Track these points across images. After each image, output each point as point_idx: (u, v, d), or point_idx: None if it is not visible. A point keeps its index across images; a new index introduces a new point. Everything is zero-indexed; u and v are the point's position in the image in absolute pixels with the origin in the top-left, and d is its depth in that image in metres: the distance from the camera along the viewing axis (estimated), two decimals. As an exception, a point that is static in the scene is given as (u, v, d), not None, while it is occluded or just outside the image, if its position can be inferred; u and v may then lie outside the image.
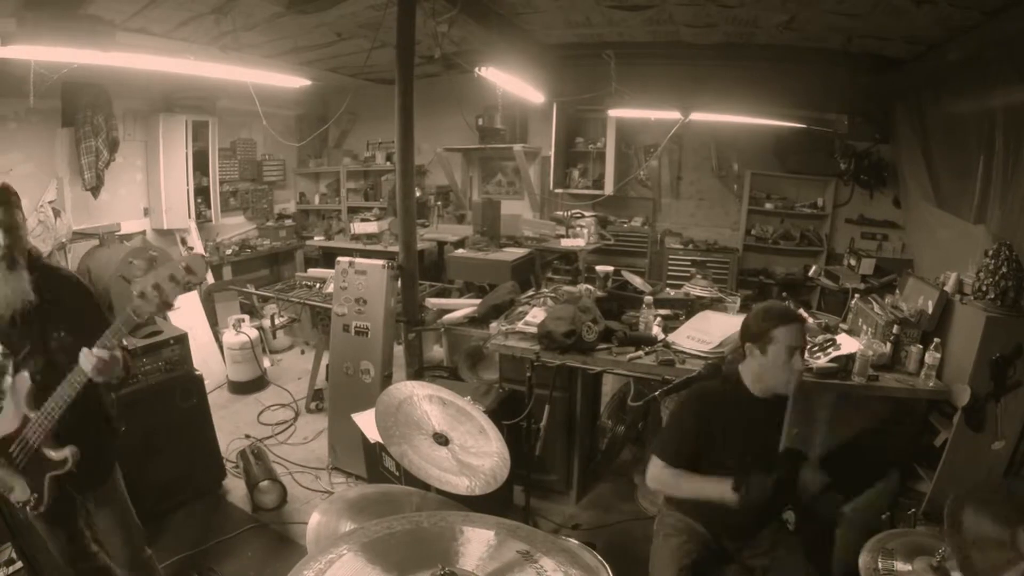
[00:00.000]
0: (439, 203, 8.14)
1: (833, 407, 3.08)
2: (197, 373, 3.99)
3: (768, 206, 7.11)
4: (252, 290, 6.03)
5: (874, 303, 3.58)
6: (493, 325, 4.00)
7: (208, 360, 5.63)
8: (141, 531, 2.56)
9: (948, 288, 3.24)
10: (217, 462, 4.16)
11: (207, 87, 6.57)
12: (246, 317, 6.03)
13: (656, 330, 3.66)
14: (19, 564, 3.08)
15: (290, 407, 5.38)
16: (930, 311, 3.21)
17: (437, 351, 5.39)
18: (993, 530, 1.69)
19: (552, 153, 7.47)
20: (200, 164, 7.08)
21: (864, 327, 3.50)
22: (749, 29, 5.04)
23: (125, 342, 2.20)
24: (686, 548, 2.40)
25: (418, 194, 7.41)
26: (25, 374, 2.08)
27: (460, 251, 6.45)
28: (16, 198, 2.16)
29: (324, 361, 5.10)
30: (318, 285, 5.19)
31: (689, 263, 6.99)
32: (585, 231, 6.94)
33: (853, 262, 6.37)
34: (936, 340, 3.05)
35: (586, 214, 7.22)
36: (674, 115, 6.10)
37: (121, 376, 2.15)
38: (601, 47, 5.73)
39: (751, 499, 2.20)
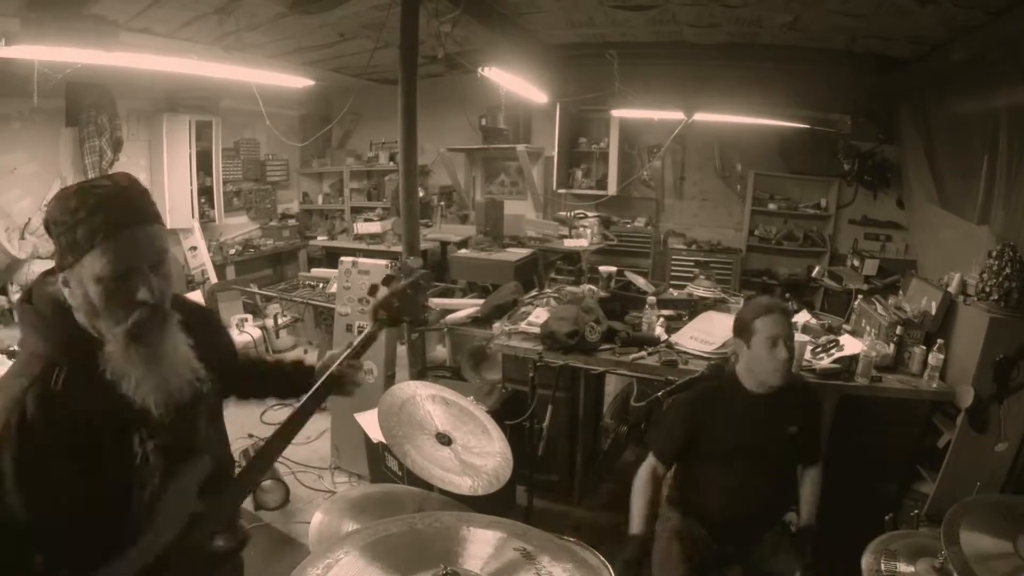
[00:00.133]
0: (442, 203, 8.15)
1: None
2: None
3: (771, 207, 7.10)
4: (255, 290, 6.04)
5: (877, 304, 3.58)
6: (496, 325, 4.00)
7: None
8: None
9: (952, 289, 3.23)
10: (220, 461, 4.16)
11: (211, 87, 6.59)
12: (249, 317, 6.04)
13: (659, 331, 3.65)
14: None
15: (293, 407, 5.36)
16: (933, 312, 3.20)
17: (440, 351, 5.39)
18: (994, 544, 1.69)
19: (555, 153, 7.47)
20: (204, 164, 7.11)
21: (867, 328, 3.50)
22: (753, 29, 5.03)
23: None
24: (688, 550, 2.40)
25: (421, 194, 7.40)
26: (205, 458, 1.43)
27: (463, 251, 6.44)
28: (152, 203, 1.33)
29: (327, 361, 5.10)
30: (321, 285, 5.20)
31: (692, 264, 6.99)
32: (588, 231, 6.93)
33: (856, 263, 6.36)
34: (939, 341, 3.05)
35: (589, 214, 7.21)
36: (677, 115, 6.09)
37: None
38: (604, 47, 5.72)
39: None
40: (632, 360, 3.38)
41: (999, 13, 3.60)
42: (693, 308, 4.02)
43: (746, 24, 4.90)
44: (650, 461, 2.59)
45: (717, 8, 4.52)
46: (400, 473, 3.25)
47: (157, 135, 6.67)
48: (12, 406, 1.16)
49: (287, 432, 1.58)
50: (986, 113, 4.02)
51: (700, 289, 4.41)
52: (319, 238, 8.18)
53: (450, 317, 4.48)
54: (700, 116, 6.02)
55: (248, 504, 3.93)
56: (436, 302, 4.81)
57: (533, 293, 4.57)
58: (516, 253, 6.13)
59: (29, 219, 5.58)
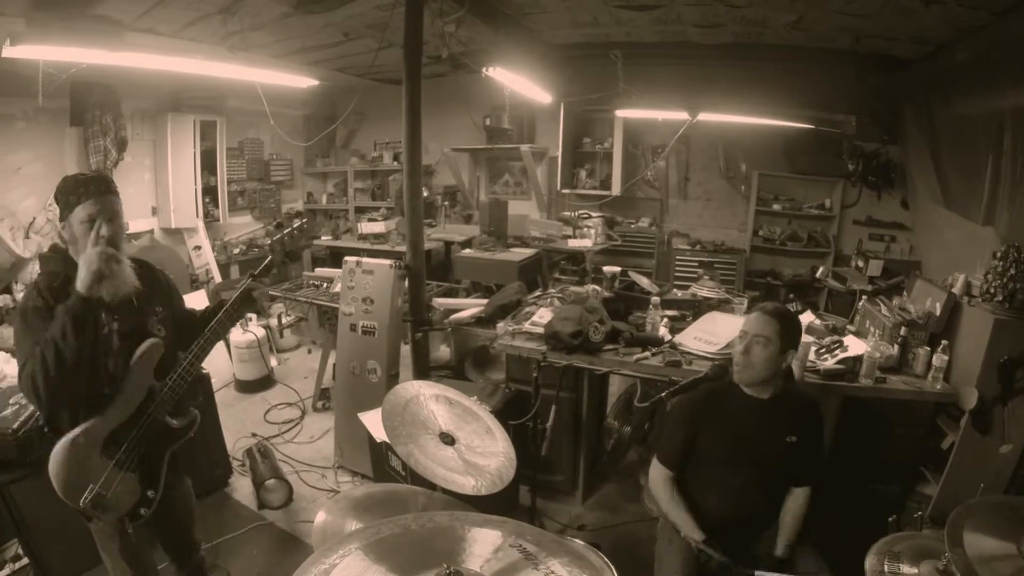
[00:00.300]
0: (446, 203, 8.17)
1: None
2: (204, 372, 3.98)
3: (776, 207, 7.09)
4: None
5: (882, 305, 3.58)
6: (500, 325, 4.00)
7: (215, 359, 5.62)
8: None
9: (956, 290, 3.22)
10: (224, 460, 4.18)
11: (215, 87, 6.60)
12: (253, 316, 6.04)
13: (663, 331, 3.65)
14: (25, 560, 3.11)
15: (297, 406, 5.40)
16: (938, 313, 3.20)
17: (444, 351, 5.39)
18: (997, 546, 1.69)
19: (559, 153, 7.47)
20: (208, 164, 7.13)
21: (871, 329, 3.50)
22: (757, 29, 5.03)
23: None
24: (691, 550, 2.40)
25: (425, 194, 7.41)
26: (157, 341, 2.17)
27: (467, 251, 6.45)
28: (115, 186, 2.15)
29: (331, 360, 5.11)
30: (325, 284, 5.20)
31: (696, 264, 6.99)
32: (592, 232, 6.93)
33: (861, 263, 6.35)
34: (944, 342, 3.04)
35: (593, 215, 7.20)
36: (682, 115, 6.08)
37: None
38: (608, 47, 5.72)
39: (708, 564, 2.32)
40: (636, 360, 3.38)
41: (1004, 13, 3.59)
42: (697, 309, 4.03)
43: (750, 24, 4.89)
44: (661, 471, 2.59)
45: (721, 8, 4.51)
46: (403, 473, 3.25)
47: (162, 135, 6.69)
48: (29, 289, 2.13)
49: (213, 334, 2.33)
50: (991, 114, 4.00)
51: (704, 290, 4.42)
52: (323, 238, 8.19)
53: (454, 317, 4.48)
54: (704, 116, 6.01)
55: (252, 503, 3.95)
56: (440, 302, 4.81)
57: (537, 293, 4.57)
58: (520, 253, 6.13)
59: (34, 218, 5.59)
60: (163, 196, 6.81)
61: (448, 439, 2.27)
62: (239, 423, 4.99)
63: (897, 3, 3.83)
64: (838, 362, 3.15)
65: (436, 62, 5.01)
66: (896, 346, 3.20)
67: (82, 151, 5.89)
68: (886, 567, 1.89)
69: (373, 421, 3.30)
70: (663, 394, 2.52)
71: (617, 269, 4.62)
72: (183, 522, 2.54)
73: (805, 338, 3.23)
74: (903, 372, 3.18)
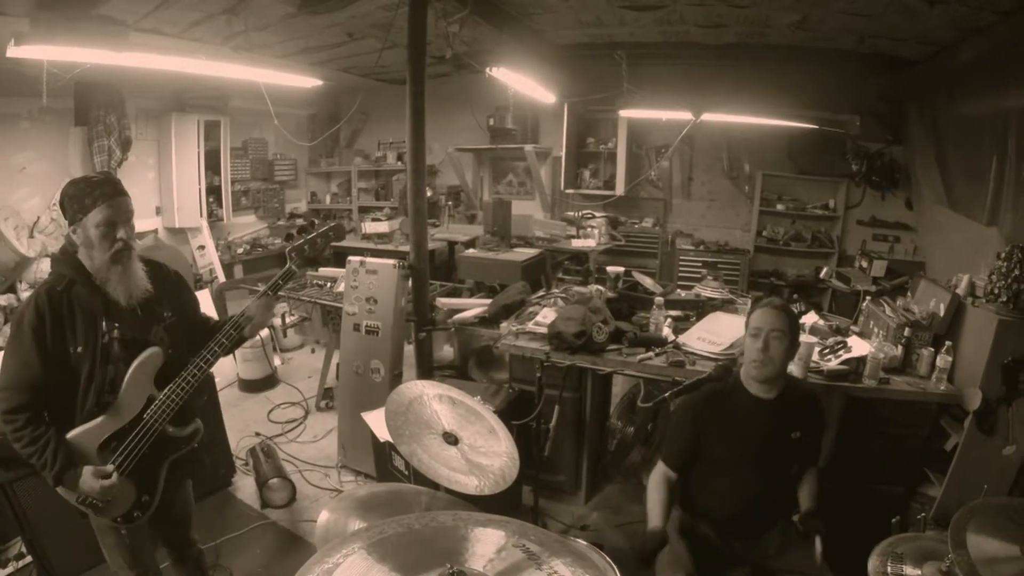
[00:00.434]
0: (450, 203, 8.16)
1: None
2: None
3: (779, 207, 7.07)
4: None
5: (885, 305, 3.57)
6: (503, 325, 4.00)
7: (219, 358, 5.65)
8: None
9: (960, 291, 3.21)
10: (227, 459, 4.19)
11: (219, 87, 6.61)
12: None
13: (666, 331, 3.65)
14: (28, 559, 3.12)
15: (300, 405, 5.41)
16: (942, 314, 3.20)
17: (447, 351, 5.40)
18: (1001, 548, 1.68)
19: (563, 153, 7.46)
20: (212, 163, 7.13)
21: (875, 329, 3.49)
22: (760, 29, 5.02)
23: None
24: (693, 548, 2.41)
25: (429, 194, 7.43)
26: (157, 350, 2.15)
27: (471, 251, 6.45)
28: (123, 187, 2.14)
29: (334, 360, 5.12)
30: (329, 284, 5.21)
31: (700, 264, 6.98)
32: (596, 232, 6.93)
33: (864, 264, 6.34)
34: (948, 343, 3.04)
35: (597, 215, 7.20)
36: (685, 116, 6.07)
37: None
38: (612, 47, 5.72)
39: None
40: (639, 361, 3.38)
41: (1008, 14, 3.58)
42: (701, 309, 4.03)
43: (754, 24, 4.88)
44: (661, 468, 2.61)
45: (725, 8, 4.51)
46: (407, 472, 3.26)
47: (166, 134, 6.70)
48: (34, 293, 2.05)
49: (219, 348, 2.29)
50: (995, 114, 3.99)
51: (708, 290, 4.42)
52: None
53: (457, 317, 4.49)
54: (708, 116, 5.99)
55: (255, 502, 3.96)
56: (443, 302, 4.82)
57: (540, 293, 4.58)
58: (523, 253, 6.14)
59: (38, 217, 5.60)
60: (167, 196, 6.82)
61: (451, 439, 2.28)
62: (243, 422, 5.00)
63: (901, 3, 3.82)
64: (842, 363, 3.14)
65: (440, 62, 5.02)
66: (900, 347, 3.19)
67: (86, 151, 5.91)
68: (889, 568, 1.88)
69: (376, 421, 3.31)
70: (667, 394, 2.52)
71: (621, 269, 4.61)
72: (181, 523, 2.56)
73: (809, 338, 3.25)
74: (907, 373, 3.18)
